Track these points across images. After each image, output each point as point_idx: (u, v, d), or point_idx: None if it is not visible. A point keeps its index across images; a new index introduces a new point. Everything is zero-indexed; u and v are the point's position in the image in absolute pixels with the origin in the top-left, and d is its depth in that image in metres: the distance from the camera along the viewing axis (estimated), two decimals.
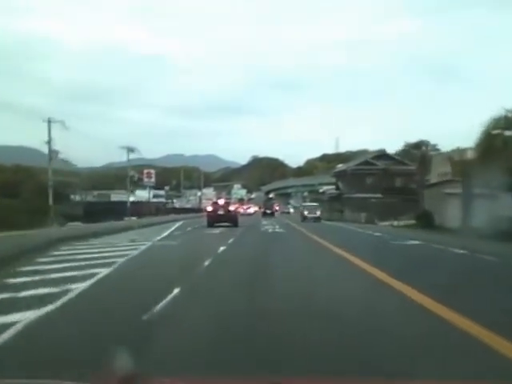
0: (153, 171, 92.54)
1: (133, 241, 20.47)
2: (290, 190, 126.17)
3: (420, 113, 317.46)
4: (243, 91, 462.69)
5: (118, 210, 56.60)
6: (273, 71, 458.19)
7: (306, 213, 51.18)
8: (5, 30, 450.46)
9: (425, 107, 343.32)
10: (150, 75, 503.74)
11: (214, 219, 32.96)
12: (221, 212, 33.61)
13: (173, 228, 31.91)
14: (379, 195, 57.83)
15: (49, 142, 42.38)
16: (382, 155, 64.93)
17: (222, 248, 16.83)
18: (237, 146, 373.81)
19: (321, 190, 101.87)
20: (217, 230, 29.03)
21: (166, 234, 26.11)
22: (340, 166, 76.19)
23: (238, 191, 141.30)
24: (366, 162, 62.86)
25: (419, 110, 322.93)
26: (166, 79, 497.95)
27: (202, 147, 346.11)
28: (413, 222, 36.52)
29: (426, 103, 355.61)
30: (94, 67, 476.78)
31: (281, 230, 30.28)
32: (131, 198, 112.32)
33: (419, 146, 38.20)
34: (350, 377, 4.01)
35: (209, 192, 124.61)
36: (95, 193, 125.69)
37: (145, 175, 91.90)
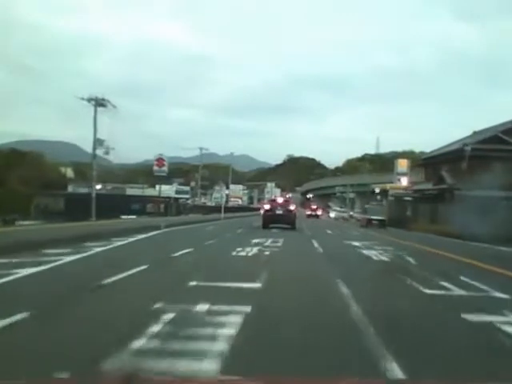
0: (165, 158, 65.11)
1: None
2: (336, 190, 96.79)
3: (463, 115, 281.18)
4: (281, 91, 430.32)
5: (107, 204, 36.39)
6: (312, 71, 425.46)
7: None
8: (52, 28, 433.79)
9: (469, 109, 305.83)
10: (190, 74, 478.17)
11: (271, 219, 25.32)
12: (279, 211, 25.58)
13: None
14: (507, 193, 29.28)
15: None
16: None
17: None
18: (271, 147, 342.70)
19: (377, 190, 73.55)
20: None
21: None
22: (429, 153, 47.42)
23: (272, 191, 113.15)
24: (497, 139, 33.85)
25: (463, 112, 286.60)
26: (206, 78, 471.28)
27: (236, 147, 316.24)
28: None
29: (471, 105, 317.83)
30: (137, 66, 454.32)
31: None
32: (147, 193, 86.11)
33: None
34: (350, 377, 3.24)
35: (237, 189, 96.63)
36: (109, 187, 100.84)
37: (155, 164, 64.93)
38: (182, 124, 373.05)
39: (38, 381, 2.39)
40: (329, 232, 24.07)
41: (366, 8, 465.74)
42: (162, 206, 51.08)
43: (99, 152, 32.76)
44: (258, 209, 72.77)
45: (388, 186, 64.62)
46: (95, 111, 31.77)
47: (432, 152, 41.26)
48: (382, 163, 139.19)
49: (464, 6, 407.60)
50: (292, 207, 26.42)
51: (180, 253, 10.81)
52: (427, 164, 41.87)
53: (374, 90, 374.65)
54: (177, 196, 79.62)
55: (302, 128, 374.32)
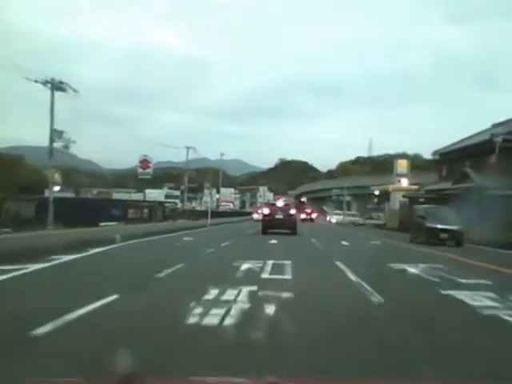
0: (150, 159, 58.47)
1: None
2: (333, 193, 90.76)
3: (457, 118, 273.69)
4: (274, 96, 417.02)
5: (84, 210, 29.74)
6: (305, 75, 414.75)
7: None
8: (41, 31, 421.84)
9: (462, 112, 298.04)
10: (183, 79, 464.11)
11: (271, 224, 22.82)
12: (279, 216, 23.10)
13: None
14: None
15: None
16: None
17: None
18: (264, 151, 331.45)
19: (377, 192, 68.19)
20: None
21: None
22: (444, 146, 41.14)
23: (265, 194, 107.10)
24: None
25: (456, 115, 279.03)
26: (199, 83, 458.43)
27: (229, 152, 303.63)
28: None
29: (464, 108, 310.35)
30: (131, 71, 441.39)
31: None
32: (133, 197, 79.72)
33: None
34: (350, 377, 3.12)
35: (228, 193, 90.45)
36: (95, 191, 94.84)
37: (139, 165, 58.34)
38: (173, 128, 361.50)
39: (39, 381, 2.30)
40: (345, 243, 17.62)
41: (360, 11, 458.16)
42: (146, 211, 44.29)
43: (57, 145, 26.20)
44: (251, 213, 66.30)
45: (390, 187, 58.47)
46: (52, 95, 25.30)
47: (448, 147, 35.09)
48: (374, 165, 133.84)
49: (457, 9, 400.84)
50: (292, 211, 24.48)
51: (67, 318, 4.44)
52: (442, 161, 35.60)
53: (367, 94, 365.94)
54: (166, 200, 73.40)
55: (295, 132, 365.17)
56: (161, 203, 54.91)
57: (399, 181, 63.31)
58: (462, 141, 35.02)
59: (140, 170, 58.28)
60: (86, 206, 37.39)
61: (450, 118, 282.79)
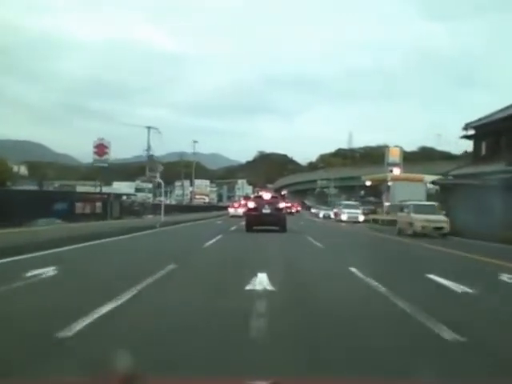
0: (107, 144, 47.43)
1: None
2: (318, 185, 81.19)
3: (435, 113, 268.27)
4: (253, 91, 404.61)
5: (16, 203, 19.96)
6: (284, 71, 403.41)
7: None
8: (23, 27, 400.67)
9: (441, 108, 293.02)
10: (163, 74, 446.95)
11: (256, 220, 19.81)
12: (266, 210, 20.16)
13: None
14: None
15: None
16: None
17: None
18: (243, 146, 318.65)
19: (368, 183, 59.23)
20: None
21: None
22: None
23: (244, 187, 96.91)
24: None
25: (434, 111, 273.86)
26: (179, 78, 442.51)
27: (207, 146, 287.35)
28: None
29: (442, 104, 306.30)
30: (109, 66, 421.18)
31: None
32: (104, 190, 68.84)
33: None
34: (350, 377, 3.08)
35: (203, 185, 79.94)
36: (56, 184, 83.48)
37: (94, 151, 47.28)
38: (152, 123, 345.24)
39: (38, 381, 2.30)
40: (457, 289, 6.63)
41: (338, 9, 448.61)
42: (99, 205, 33.32)
43: None
44: (227, 207, 56.14)
45: (389, 176, 48.94)
46: None
47: (484, 118, 25.28)
48: (357, 159, 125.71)
49: (437, 6, 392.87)
50: (281, 205, 21.58)
51: None
52: (479, 137, 25.69)
53: (346, 89, 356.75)
54: (126, 193, 62.43)
55: (275, 126, 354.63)
56: (118, 196, 43.54)
57: (391, 170, 54.89)
58: (500, 111, 25.14)
59: (96, 157, 47.28)
60: (20, 199, 26.84)
61: (429, 113, 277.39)
